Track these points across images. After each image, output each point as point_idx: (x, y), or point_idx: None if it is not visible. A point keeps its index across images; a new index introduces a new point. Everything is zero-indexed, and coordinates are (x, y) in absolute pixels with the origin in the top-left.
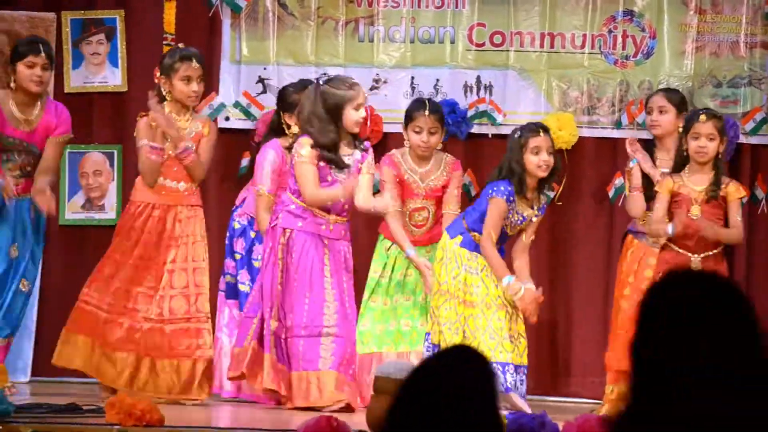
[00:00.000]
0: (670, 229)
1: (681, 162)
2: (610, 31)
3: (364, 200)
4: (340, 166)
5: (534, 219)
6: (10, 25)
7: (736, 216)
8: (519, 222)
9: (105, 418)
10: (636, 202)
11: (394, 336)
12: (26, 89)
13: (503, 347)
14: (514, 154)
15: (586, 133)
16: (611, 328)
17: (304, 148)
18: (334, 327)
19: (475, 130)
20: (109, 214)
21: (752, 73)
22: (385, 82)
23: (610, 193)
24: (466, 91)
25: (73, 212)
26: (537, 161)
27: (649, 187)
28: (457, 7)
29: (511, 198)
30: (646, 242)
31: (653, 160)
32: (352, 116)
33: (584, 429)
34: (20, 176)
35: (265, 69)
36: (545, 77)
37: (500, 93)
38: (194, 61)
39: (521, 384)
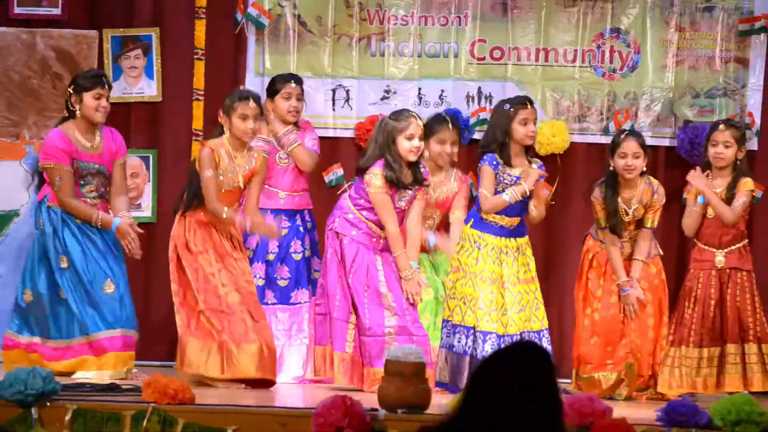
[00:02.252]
0: (700, 200)
1: (703, 168)
2: (598, 47)
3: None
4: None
5: (537, 176)
6: (57, 42)
7: (738, 201)
8: (512, 182)
9: (142, 397)
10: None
11: None
12: (91, 119)
13: (490, 317)
14: (500, 123)
15: (577, 139)
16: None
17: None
18: (395, 327)
19: (476, 136)
20: (145, 212)
21: (727, 85)
22: (394, 92)
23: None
24: (468, 101)
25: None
26: (525, 131)
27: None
28: (460, 24)
29: (494, 162)
30: (601, 246)
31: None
32: (404, 145)
33: (576, 407)
34: (96, 197)
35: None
36: (540, 88)
37: None
38: (251, 101)
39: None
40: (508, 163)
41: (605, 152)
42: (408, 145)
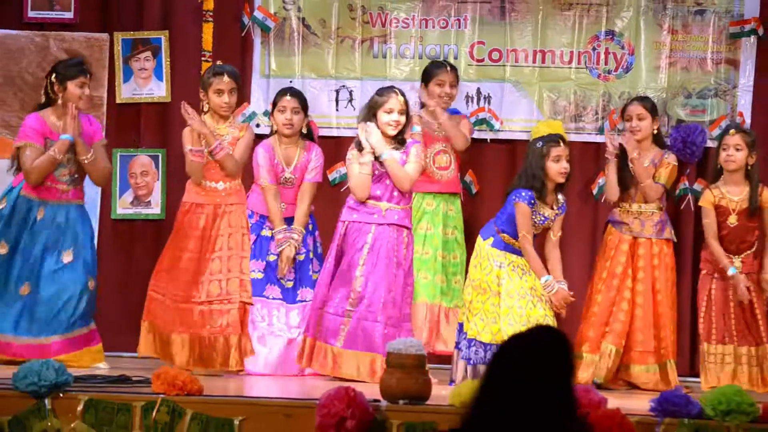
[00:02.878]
0: (731, 271)
1: (716, 174)
2: (594, 49)
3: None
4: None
5: (555, 218)
6: (70, 45)
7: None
8: (541, 222)
9: (151, 388)
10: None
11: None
12: (68, 108)
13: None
14: (535, 162)
15: (573, 138)
16: (585, 307)
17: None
18: (354, 310)
19: (475, 135)
20: (155, 209)
21: (718, 85)
22: None
23: (594, 191)
24: (467, 101)
25: (123, 208)
26: (558, 168)
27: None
28: (459, 27)
29: (533, 201)
30: (620, 231)
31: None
32: (382, 118)
33: None
34: (69, 182)
35: (291, 82)
36: (537, 89)
37: (498, 103)
38: (225, 75)
39: None
40: (543, 201)
41: (600, 151)
42: (387, 119)
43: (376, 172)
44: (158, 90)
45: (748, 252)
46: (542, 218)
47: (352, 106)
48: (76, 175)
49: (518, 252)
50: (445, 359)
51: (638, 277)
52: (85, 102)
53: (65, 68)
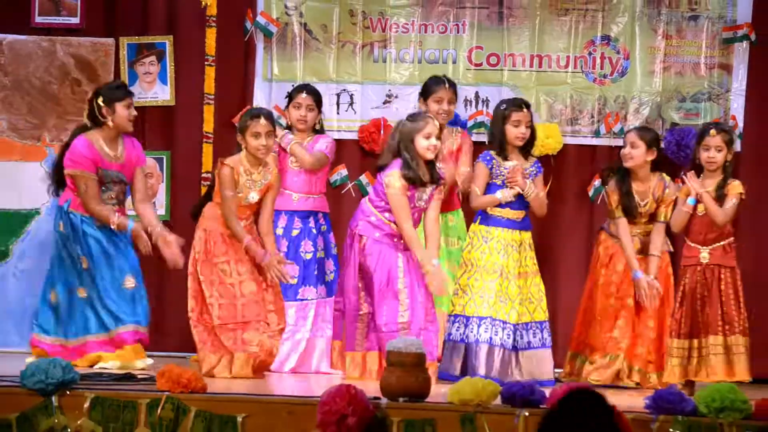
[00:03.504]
0: (690, 201)
1: (692, 169)
2: (590, 53)
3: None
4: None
5: (532, 177)
6: (76, 49)
7: (729, 203)
8: (502, 172)
9: (156, 386)
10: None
11: None
12: (124, 128)
13: (488, 304)
14: (497, 123)
15: (570, 141)
16: (579, 310)
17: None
18: (407, 323)
19: (473, 138)
20: (159, 210)
21: (711, 89)
22: (396, 97)
23: (590, 193)
24: (466, 105)
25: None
26: (516, 132)
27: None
28: (458, 32)
29: (488, 158)
30: (616, 242)
31: (630, 186)
32: (421, 143)
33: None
34: (115, 204)
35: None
36: (534, 93)
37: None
38: (262, 118)
39: (527, 336)
40: (504, 158)
41: (596, 153)
42: (426, 143)
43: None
44: (162, 93)
45: (717, 244)
46: (505, 168)
47: (353, 109)
48: (122, 197)
49: (506, 224)
50: None
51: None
52: (132, 123)
53: (111, 91)
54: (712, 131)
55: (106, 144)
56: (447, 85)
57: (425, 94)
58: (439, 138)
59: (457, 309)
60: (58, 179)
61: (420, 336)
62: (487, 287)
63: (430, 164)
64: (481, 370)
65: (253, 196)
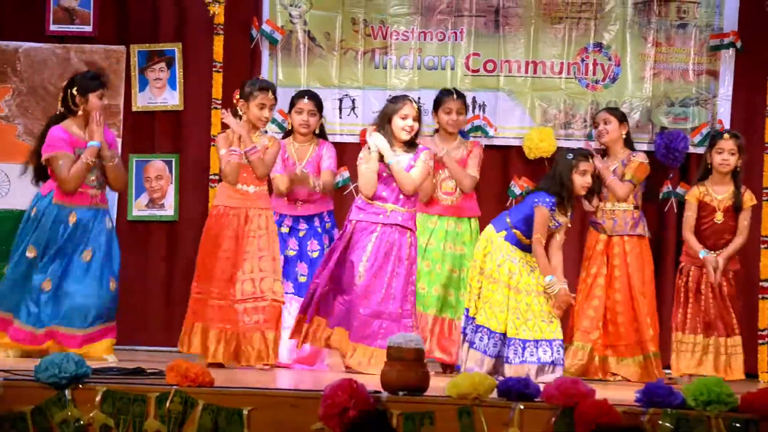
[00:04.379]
0: (701, 254)
1: (704, 174)
2: (582, 60)
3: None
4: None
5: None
6: (89, 56)
7: (745, 221)
8: (554, 227)
9: (165, 380)
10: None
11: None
12: (92, 117)
13: (526, 326)
14: (565, 172)
15: (563, 144)
16: (574, 303)
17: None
18: (351, 297)
19: (472, 141)
20: (168, 211)
21: (699, 95)
22: None
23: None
24: None
25: (138, 210)
26: (582, 182)
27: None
28: (456, 39)
29: (554, 209)
30: (597, 230)
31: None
32: (398, 123)
33: (562, 389)
34: (98, 186)
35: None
36: (529, 98)
37: (492, 111)
38: (270, 92)
39: (557, 354)
40: (563, 209)
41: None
42: (402, 123)
43: (384, 174)
44: (172, 99)
45: (723, 250)
46: (556, 224)
47: (355, 113)
48: (102, 180)
49: (527, 249)
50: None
51: (615, 275)
52: (102, 112)
53: (85, 81)
54: (726, 135)
55: (80, 130)
56: (455, 96)
57: (435, 106)
58: (416, 119)
59: (480, 319)
60: (37, 172)
61: (384, 323)
62: (521, 308)
63: (408, 144)
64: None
65: (253, 144)
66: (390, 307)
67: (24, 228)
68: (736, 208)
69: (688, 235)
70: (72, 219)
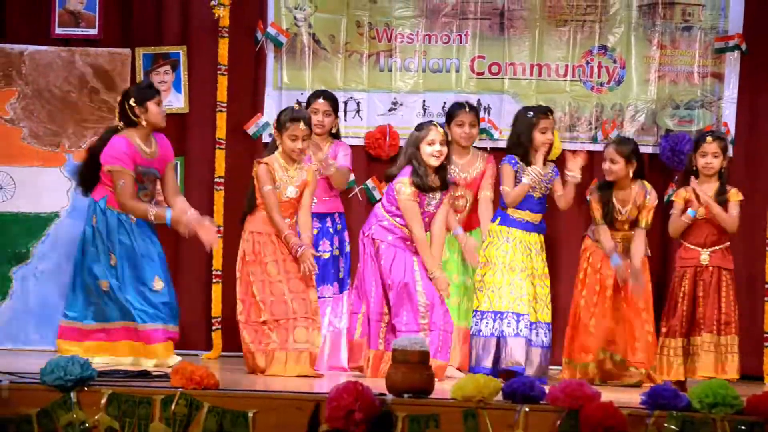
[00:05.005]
0: (690, 212)
1: (687, 175)
2: (587, 63)
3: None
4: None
5: (552, 181)
6: (94, 59)
7: (733, 211)
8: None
9: (170, 382)
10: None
11: None
12: (158, 124)
13: (521, 301)
14: (524, 130)
15: (568, 146)
16: (571, 313)
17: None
18: (427, 324)
19: (476, 144)
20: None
21: (704, 97)
22: (401, 104)
23: (587, 197)
24: None
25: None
26: (543, 139)
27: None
28: (461, 42)
29: (513, 161)
30: (597, 246)
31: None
32: (425, 150)
33: (567, 392)
34: (150, 201)
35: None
36: (534, 100)
37: (497, 113)
38: (301, 123)
39: (539, 335)
40: (527, 164)
41: (593, 159)
42: (429, 150)
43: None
44: (177, 102)
45: (716, 247)
46: (530, 177)
47: (360, 116)
48: (153, 193)
49: (524, 227)
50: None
51: (615, 290)
52: (164, 120)
53: (141, 90)
54: (708, 138)
55: (141, 142)
56: (468, 109)
57: (448, 119)
58: (444, 144)
59: (483, 305)
60: (88, 178)
61: (440, 338)
62: (517, 284)
63: (441, 170)
64: (521, 363)
65: (292, 190)
66: (441, 318)
67: (89, 238)
68: (720, 203)
69: (672, 232)
70: (133, 218)
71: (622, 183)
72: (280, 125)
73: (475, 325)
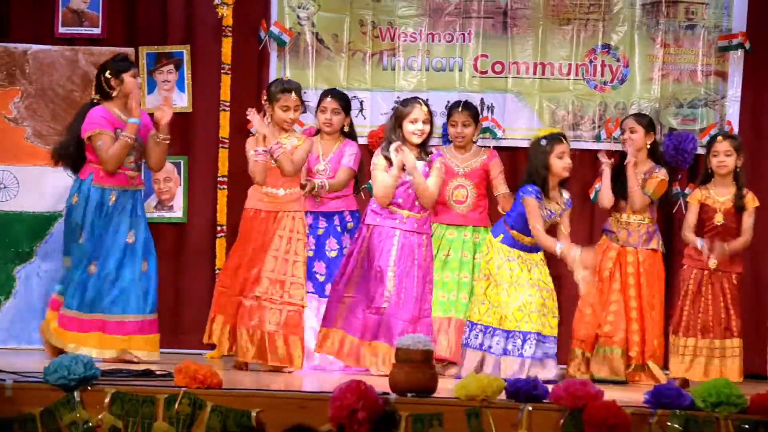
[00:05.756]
0: (699, 243)
1: (706, 177)
2: (591, 61)
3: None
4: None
5: (562, 213)
6: (97, 59)
7: (748, 223)
8: (548, 216)
9: (174, 382)
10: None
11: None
12: (131, 93)
13: (529, 318)
14: (539, 159)
15: (572, 145)
16: (578, 309)
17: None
18: (388, 307)
19: (480, 143)
20: (177, 213)
21: (708, 96)
22: None
23: (591, 196)
24: None
25: (147, 212)
26: (562, 164)
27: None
28: (464, 41)
29: (539, 196)
30: (610, 239)
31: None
32: (408, 128)
33: (570, 391)
34: (135, 168)
35: (305, 93)
36: (537, 99)
37: (500, 112)
38: (293, 93)
39: (549, 349)
40: (546, 196)
41: (597, 157)
42: (412, 128)
43: (399, 180)
44: (180, 101)
45: None
46: (549, 212)
47: (363, 115)
48: (139, 162)
49: (527, 248)
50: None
51: (629, 283)
52: (140, 91)
53: (117, 63)
54: (719, 137)
55: (120, 111)
56: (460, 109)
57: (447, 118)
58: (427, 122)
59: (485, 319)
60: (74, 156)
61: (409, 328)
62: (526, 300)
63: (420, 147)
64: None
65: (276, 141)
66: (412, 310)
67: (71, 217)
68: (737, 209)
69: (688, 234)
70: (112, 199)
71: (638, 156)
72: (270, 96)
73: (474, 338)
